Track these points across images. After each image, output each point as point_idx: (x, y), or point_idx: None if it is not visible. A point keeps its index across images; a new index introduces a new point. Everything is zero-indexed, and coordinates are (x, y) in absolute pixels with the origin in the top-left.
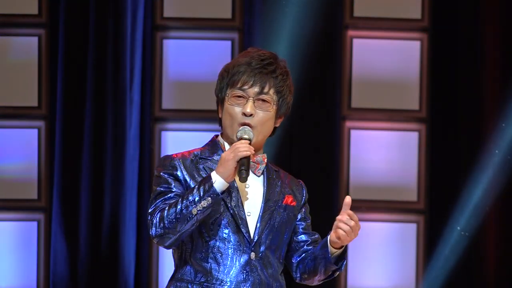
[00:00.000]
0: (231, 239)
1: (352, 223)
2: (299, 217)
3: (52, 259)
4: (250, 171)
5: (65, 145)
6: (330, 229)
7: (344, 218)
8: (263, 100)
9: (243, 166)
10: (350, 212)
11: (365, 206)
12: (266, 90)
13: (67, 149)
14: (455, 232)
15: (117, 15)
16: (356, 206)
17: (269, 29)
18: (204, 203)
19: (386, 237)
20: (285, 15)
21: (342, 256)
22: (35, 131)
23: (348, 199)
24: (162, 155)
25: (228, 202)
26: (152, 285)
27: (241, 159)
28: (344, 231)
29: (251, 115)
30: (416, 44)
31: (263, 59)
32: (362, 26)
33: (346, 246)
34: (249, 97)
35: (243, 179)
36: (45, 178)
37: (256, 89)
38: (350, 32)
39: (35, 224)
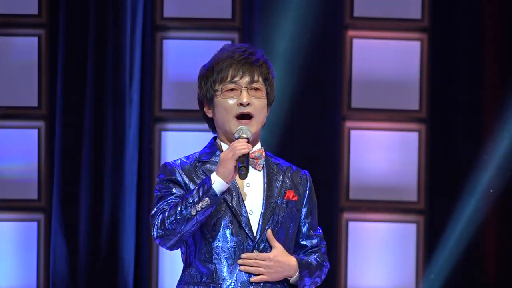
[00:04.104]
0: (234, 238)
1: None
2: (303, 213)
3: (52, 259)
4: (251, 167)
5: (65, 145)
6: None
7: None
8: (256, 89)
9: (243, 164)
10: (257, 255)
11: (365, 206)
12: (256, 78)
13: (67, 149)
14: (455, 232)
15: (117, 15)
16: (356, 206)
17: (269, 29)
18: (202, 204)
19: (386, 237)
20: (285, 15)
21: (300, 278)
22: (35, 131)
23: (269, 232)
24: (162, 155)
25: (229, 201)
26: (151, 285)
27: (240, 157)
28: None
29: (248, 104)
30: (416, 44)
31: (243, 50)
32: (362, 26)
33: (305, 265)
34: (242, 87)
35: (243, 176)
36: (45, 178)
37: (247, 78)
38: (350, 32)
39: (35, 224)
